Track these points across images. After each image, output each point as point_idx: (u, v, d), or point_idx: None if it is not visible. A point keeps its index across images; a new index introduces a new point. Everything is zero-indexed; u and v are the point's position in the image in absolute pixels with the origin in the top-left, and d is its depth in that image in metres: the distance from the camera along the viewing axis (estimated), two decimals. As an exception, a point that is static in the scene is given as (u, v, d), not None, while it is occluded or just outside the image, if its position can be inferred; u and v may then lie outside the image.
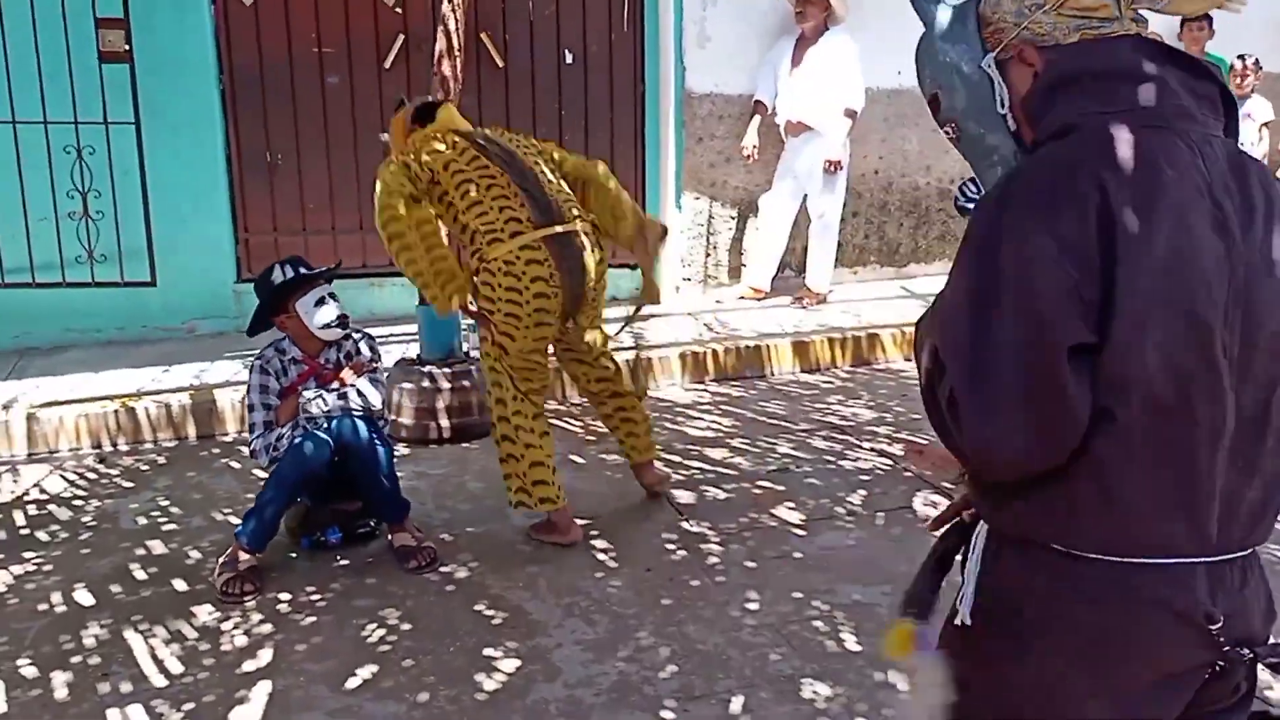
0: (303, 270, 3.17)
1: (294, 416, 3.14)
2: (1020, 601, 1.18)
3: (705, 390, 4.86)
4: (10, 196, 4.83)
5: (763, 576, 3.06)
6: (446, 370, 4.20)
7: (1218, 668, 1.15)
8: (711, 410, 4.58)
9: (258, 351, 3.27)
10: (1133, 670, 1.14)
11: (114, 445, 4.19)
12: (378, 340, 3.45)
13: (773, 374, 5.08)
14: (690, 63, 5.77)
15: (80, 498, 3.70)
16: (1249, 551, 1.18)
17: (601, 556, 3.20)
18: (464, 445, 4.15)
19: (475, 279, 3.21)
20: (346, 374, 3.23)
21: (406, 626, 2.81)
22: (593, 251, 3.21)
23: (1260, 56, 6.39)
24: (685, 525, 3.41)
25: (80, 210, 4.97)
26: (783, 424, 4.39)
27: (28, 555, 3.24)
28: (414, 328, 4.49)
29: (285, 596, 2.97)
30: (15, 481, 3.86)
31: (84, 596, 2.98)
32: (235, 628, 2.80)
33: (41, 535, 3.39)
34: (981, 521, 1.26)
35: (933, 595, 1.33)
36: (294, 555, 3.23)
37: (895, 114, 6.04)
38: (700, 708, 2.44)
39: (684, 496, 3.64)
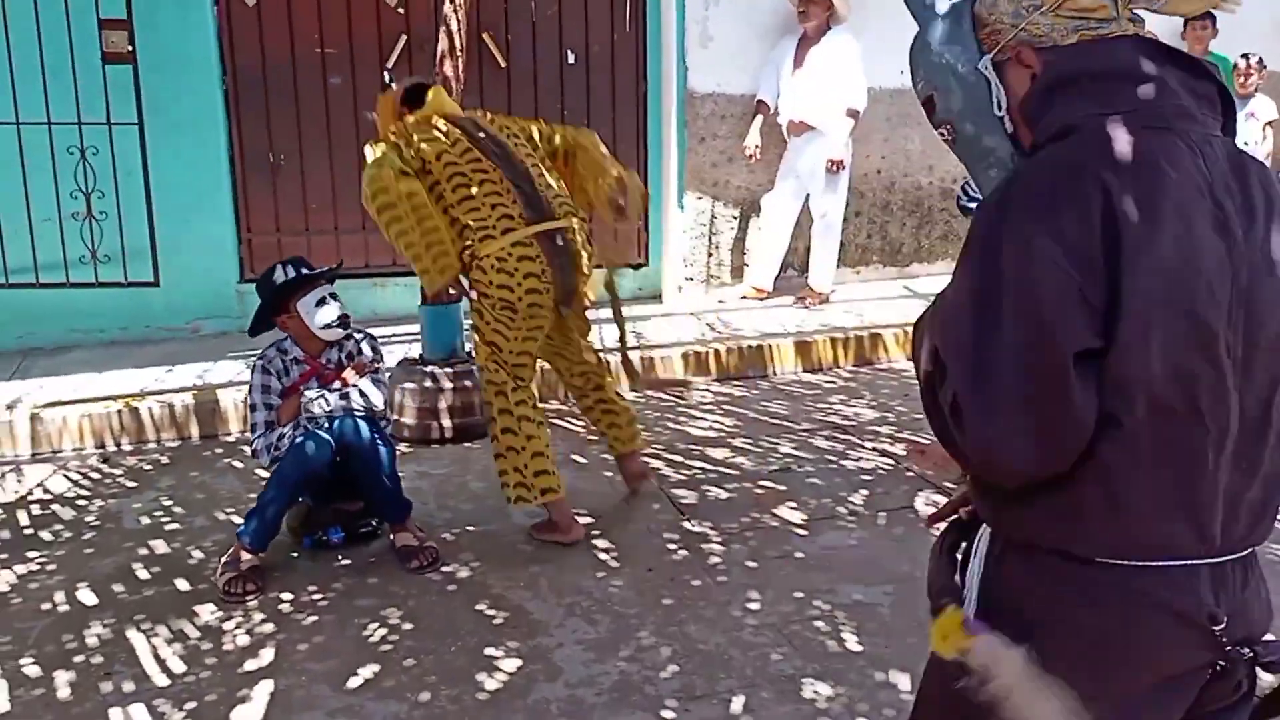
0: (304, 270, 3.18)
1: (295, 416, 3.15)
2: (1022, 604, 1.18)
3: (707, 390, 4.86)
4: (14, 197, 4.85)
5: (764, 576, 3.06)
6: (449, 370, 4.21)
7: (1219, 668, 1.15)
8: (714, 410, 4.58)
9: (259, 351, 3.27)
10: (1136, 672, 1.14)
11: (117, 445, 4.20)
12: (380, 340, 3.45)
13: (775, 374, 5.08)
14: (692, 62, 5.77)
15: (84, 497, 3.71)
16: (1249, 551, 1.18)
17: (603, 556, 3.21)
18: (466, 445, 4.15)
19: (467, 275, 3.22)
20: (349, 374, 3.23)
21: (408, 626, 2.81)
22: (582, 248, 3.25)
23: (1264, 56, 6.37)
24: (687, 525, 3.41)
25: (84, 211, 4.99)
26: (785, 424, 4.39)
27: (31, 555, 3.25)
28: (416, 328, 4.50)
29: (287, 596, 2.97)
30: (19, 481, 3.87)
31: (87, 596, 2.99)
32: (237, 627, 2.81)
33: (45, 535, 3.40)
34: (984, 524, 1.26)
35: (957, 582, 1.28)
36: (296, 555, 3.24)
37: (898, 113, 6.04)
38: (701, 707, 2.45)
39: (686, 496, 3.64)
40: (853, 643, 2.70)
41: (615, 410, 3.55)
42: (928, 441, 3.23)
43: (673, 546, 3.26)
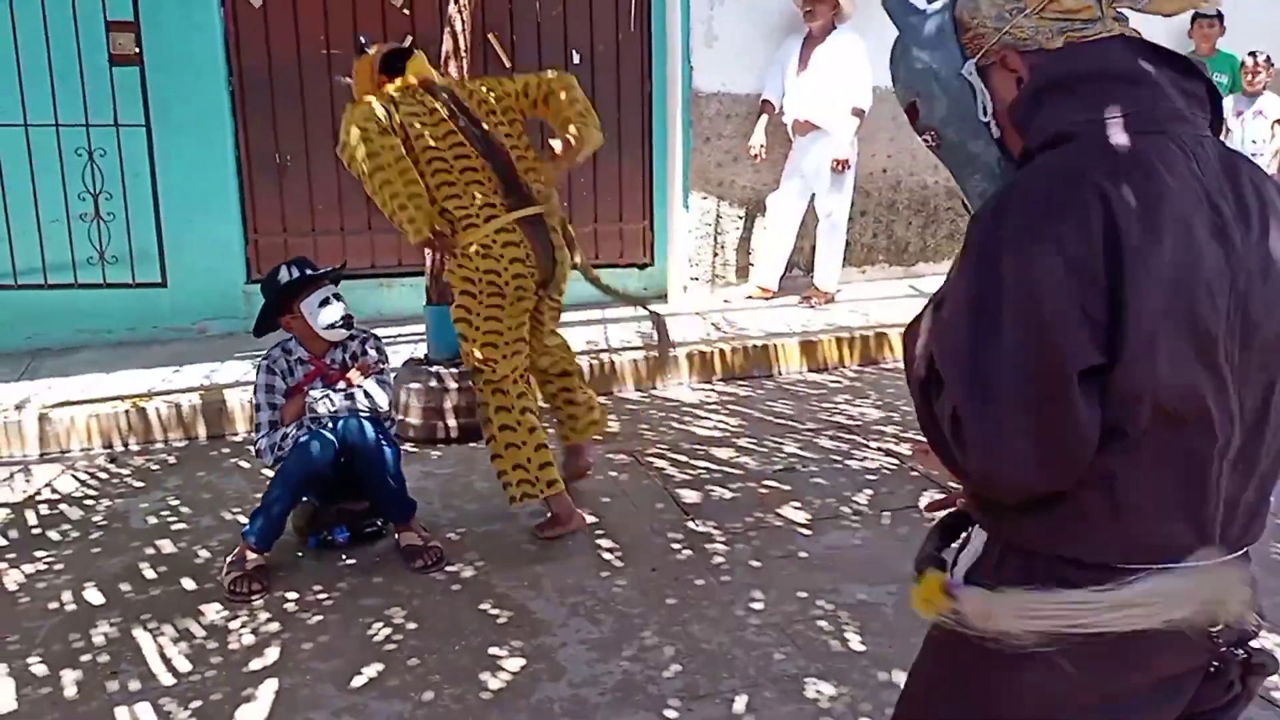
0: (307, 271, 3.19)
1: (298, 416, 3.16)
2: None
3: (712, 390, 4.87)
4: (22, 198, 4.88)
5: (768, 576, 3.06)
6: (454, 370, 4.22)
7: (1213, 669, 1.16)
8: (718, 410, 4.58)
9: (264, 351, 3.29)
10: (1133, 674, 1.14)
11: (125, 445, 4.22)
12: (385, 340, 3.46)
13: (780, 373, 5.08)
14: (698, 62, 5.78)
15: (91, 497, 3.73)
16: (1244, 551, 1.18)
17: (607, 556, 3.21)
18: (471, 445, 4.16)
19: (451, 261, 3.25)
20: (354, 374, 3.24)
21: (412, 625, 2.82)
22: (560, 231, 3.27)
23: (1271, 53, 6.34)
24: (690, 525, 3.41)
25: (91, 212, 5.01)
26: (789, 423, 4.39)
27: (39, 554, 3.27)
28: (422, 328, 4.51)
29: (292, 595, 2.99)
30: (27, 481, 3.89)
31: (94, 595, 3.00)
32: (243, 626, 2.82)
33: (53, 534, 3.42)
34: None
35: (944, 553, 1.30)
36: (301, 554, 3.25)
37: (903, 113, 6.01)
38: (704, 707, 2.45)
39: (689, 496, 3.65)
40: (856, 643, 2.70)
41: (576, 401, 3.57)
42: (931, 441, 3.19)
43: (676, 546, 3.27)
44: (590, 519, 3.43)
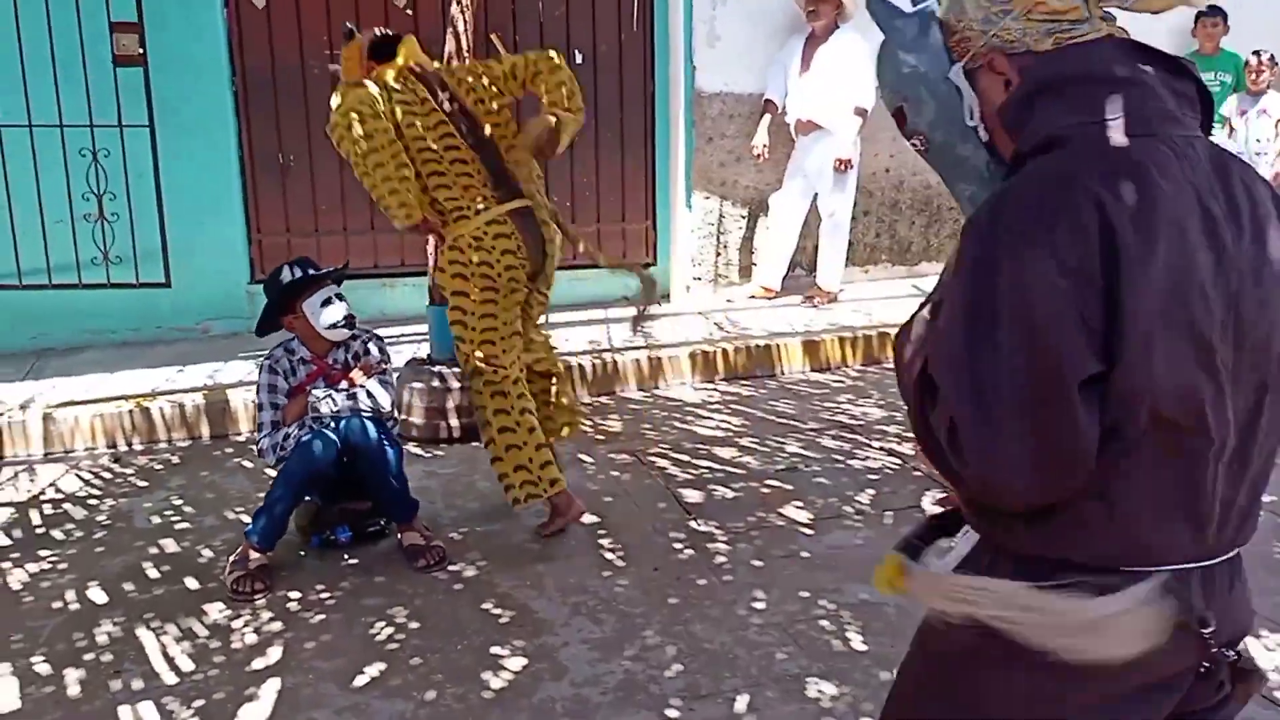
0: (310, 271, 3.20)
1: (301, 416, 3.16)
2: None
3: (715, 389, 4.87)
4: (27, 199, 4.88)
5: (770, 575, 3.06)
6: (457, 370, 4.21)
7: (1204, 669, 1.15)
8: (721, 409, 4.58)
9: (267, 351, 3.29)
10: (1126, 676, 1.14)
11: (129, 445, 4.23)
12: (388, 340, 3.47)
13: (783, 373, 5.08)
14: (700, 62, 5.78)
15: (95, 497, 3.74)
16: (1236, 552, 1.18)
17: (609, 555, 3.21)
18: (473, 445, 4.16)
19: (442, 257, 3.25)
20: (356, 375, 3.25)
21: (415, 625, 2.83)
22: (548, 224, 3.28)
23: (1275, 52, 6.32)
24: (693, 524, 3.41)
25: (96, 212, 5.02)
26: (792, 423, 4.39)
27: (43, 553, 3.28)
28: (424, 328, 4.52)
29: (295, 595, 2.99)
30: (32, 481, 3.90)
31: (97, 594, 3.01)
32: (245, 626, 2.83)
33: (57, 534, 3.43)
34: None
35: (925, 544, 1.32)
36: (304, 554, 3.26)
37: (905, 113, 6.02)
38: (706, 707, 2.45)
39: (692, 495, 3.65)
40: (858, 642, 2.70)
41: (555, 403, 3.57)
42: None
43: (679, 546, 3.27)
44: (592, 519, 3.44)
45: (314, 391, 3.18)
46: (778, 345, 5.10)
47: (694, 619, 2.83)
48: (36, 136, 4.82)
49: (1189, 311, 1.06)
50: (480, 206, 3.17)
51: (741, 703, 2.46)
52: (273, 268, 3.29)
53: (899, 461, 3.93)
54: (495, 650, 2.69)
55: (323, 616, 2.88)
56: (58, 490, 3.81)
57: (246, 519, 3.30)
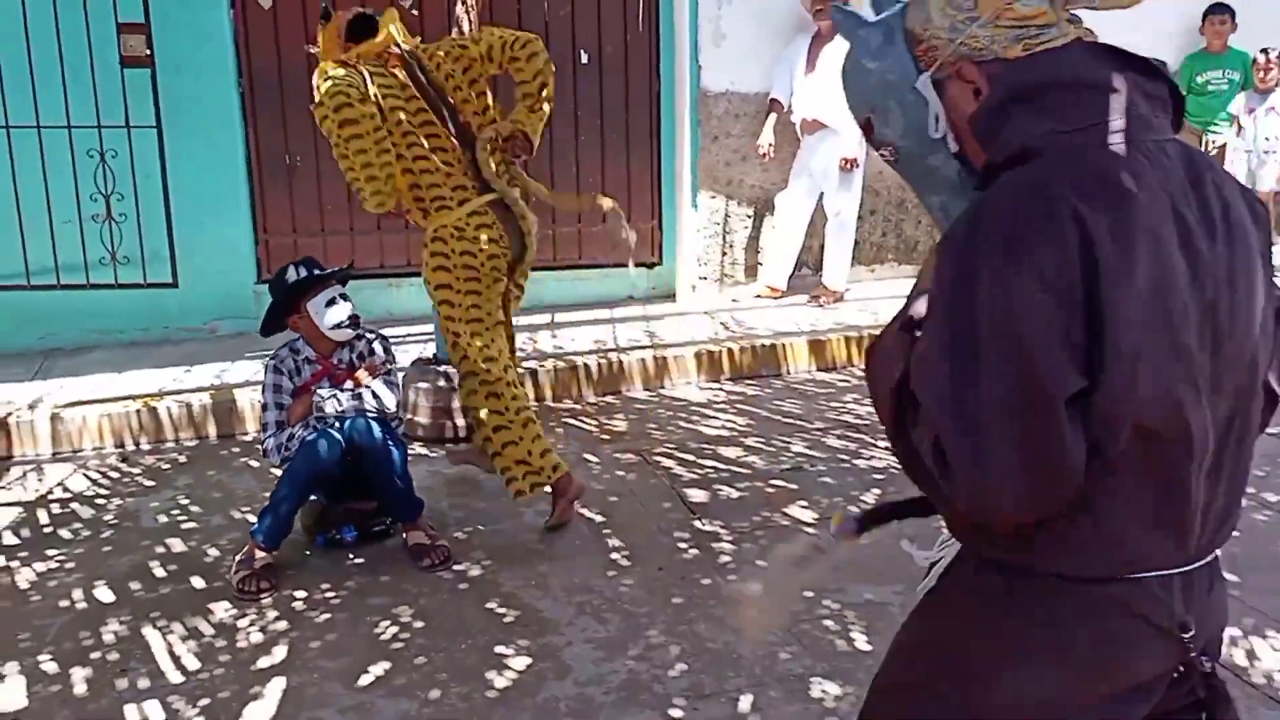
0: (314, 271, 3.21)
1: (305, 416, 3.17)
2: (997, 616, 1.17)
3: (720, 389, 4.86)
4: (35, 200, 4.91)
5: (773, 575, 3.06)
6: (462, 370, 4.23)
7: (1178, 673, 1.16)
8: (726, 409, 4.58)
9: (272, 351, 3.30)
10: (1108, 679, 1.14)
11: (136, 444, 4.25)
12: (394, 340, 3.48)
13: (788, 373, 5.07)
14: (706, 61, 5.77)
15: (102, 496, 3.76)
16: (1214, 556, 1.19)
17: (614, 555, 3.22)
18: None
19: (424, 250, 3.26)
20: (362, 375, 3.26)
21: (419, 624, 2.83)
22: (525, 218, 3.29)
23: (1284, 50, 6.30)
24: (697, 524, 3.41)
25: (103, 213, 5.05)
26: (798, 423, 4.38)
27: (51, 552, 3.29)
28: (430, 327, 4.53)
29: (300, 594, 3.00)
30: (40, 480, 3.92)
31: (104, 593, 3.03)
32: (251, 625, 2.84)
33: (64, 533, 3.45)
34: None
35: (882, 520, 1.40)
36: (309, 553, 3.27)
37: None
38: (709, 706, 2.45)
39: (697, 495, 3.65)
40: (862, 642, 2.70)
41: None
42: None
43: (683, 545, 3.27)
44: (597, 518, 3.44)
45: (319, 391, 3.18)
46: (783, 345, 5.09)
47: (698, 618, 2.83)
48: (44, 138, 4.84)
49: (1170, 322, 1.05)
50: (462, 197, 3.19)
51: (745, 702, 2.46)
52: (279, 268, 3.30)
53: (904, 461, 3.92)
54: (499, 649, 2.70)
55: (328, 616, 2.89)
56: (65, 490, 3.83)
57: (252, 518, 3.31)
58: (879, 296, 5.89)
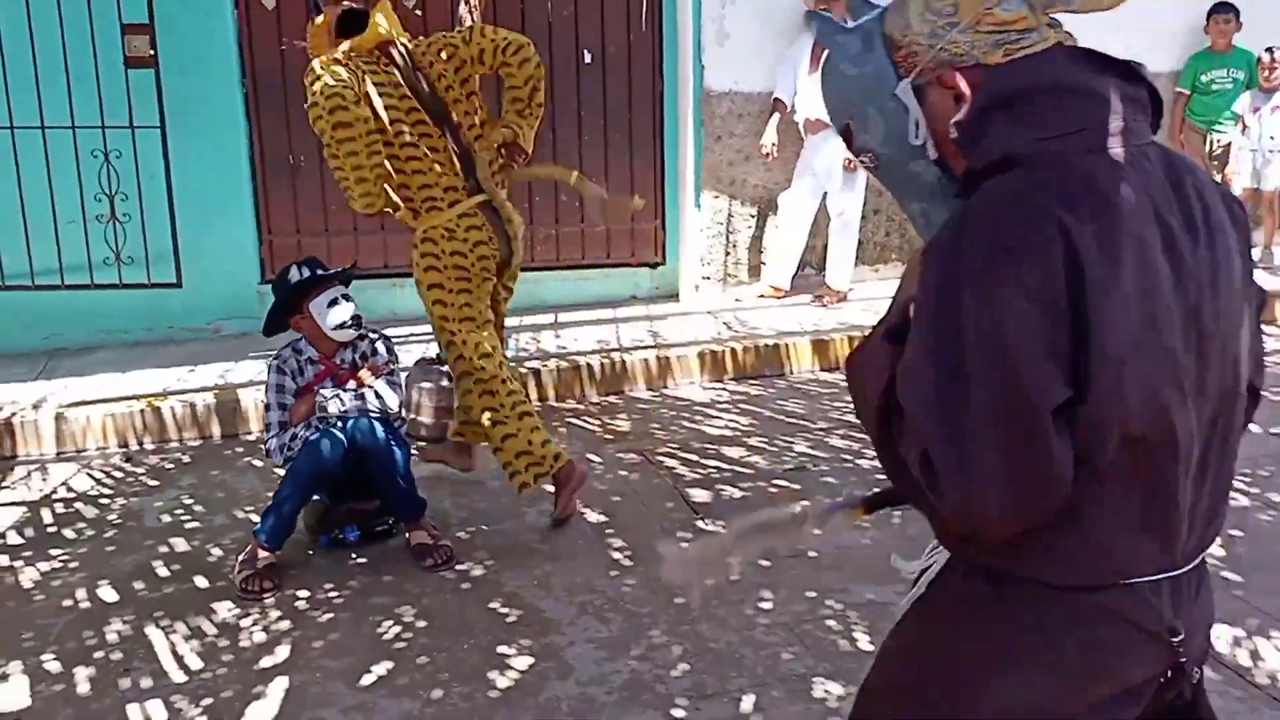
0: (317, 271, 3.21)
1: (308, 416, 3.17)
2: (986, 622, 1.17)
3: (723, 389, 4.86)
4: (39, 200, 4.93)
5: (777, 575, 3.05)
6: (465, 370, 4.23)
7: (1166, 678, 1.16)
8: (729, 409, 4.58)
9: (275, 352, 3.31)
10: (1099, 684, 1.14)
11: (140, 444, 4.26)
12: (398, 340, 3.48)
13: (792, 372, 5.07)
14: (709, 61, 5.77)
15: (106, 496, 3.77)
16: (1201, 560, 1.19)
17: (616, 555, 3.22)
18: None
19: (414, 252, 3.27)
20: (365, 375, 3.26)
21: (422, 624, 2.84)
22: (512, 220, 3.31)
23: (1289, 49, 6.28)
24: (700, 524, 3.41)
25: (107, 213, 5.06)
26: (801, 423, 4.38)
27: (54, 552, 3.30)
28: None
29: (303, 594, 3.01)
30: (44, 480, 3.93)
31: (108, 593, 3.03)
32: (254, 624, 2.85)
33: (68, 533, 3.46)
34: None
35: (874, 506, 1.43)
36: (312, 553, 3.27)
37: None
38: (712, 706, 2.45)
39: (700, 495, 3.65)
40: (865, 642, 2.69)
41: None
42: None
43: (686, 545, 3.26)
44: (600, 518, 3.44)
45: (322, 391, 3.19)
46: (787, 345, 5.08)
47: (701, 618, 2.83)
48: (49, 138, 4.86)
49: (1155, 329, 1.05)
50: (452, 198, 3.20)
51: (748, 702, 2.46)
52: (282, 268, 3.31)
53: (908, 461, 3.91)
54: (502, 649, 2.70)
55: (330, 615, 2.89)
56: (69, 489, 3.84)
57: (256, 518, 3.32)
58: (883, 296, 5.87)
